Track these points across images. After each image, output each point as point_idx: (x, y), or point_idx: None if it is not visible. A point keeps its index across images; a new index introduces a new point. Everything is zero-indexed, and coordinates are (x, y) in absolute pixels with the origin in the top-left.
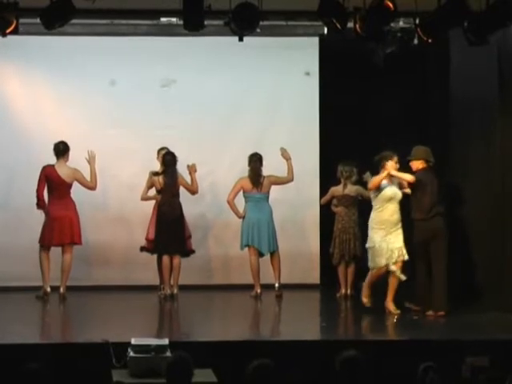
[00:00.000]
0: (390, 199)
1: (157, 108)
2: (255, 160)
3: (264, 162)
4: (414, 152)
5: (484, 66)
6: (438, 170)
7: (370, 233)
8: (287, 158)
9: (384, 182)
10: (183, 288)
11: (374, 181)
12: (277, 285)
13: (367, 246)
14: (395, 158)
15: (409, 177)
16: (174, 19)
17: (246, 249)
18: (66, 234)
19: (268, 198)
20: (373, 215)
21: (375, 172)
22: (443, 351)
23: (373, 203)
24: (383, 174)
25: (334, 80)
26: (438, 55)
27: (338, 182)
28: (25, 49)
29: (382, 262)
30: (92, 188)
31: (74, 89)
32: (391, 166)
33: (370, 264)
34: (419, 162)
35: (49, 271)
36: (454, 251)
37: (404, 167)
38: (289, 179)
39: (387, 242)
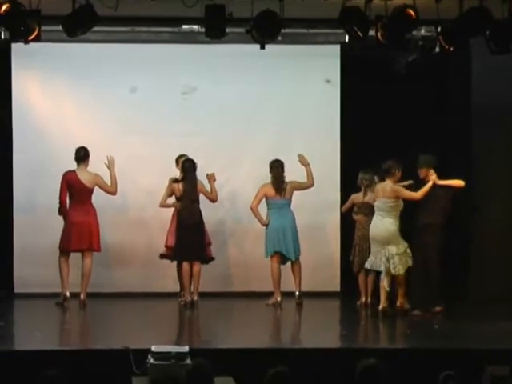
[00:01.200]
0: None
1: (177, 115)
2: (277, 166)
3: (286, 169)
4: (423, 160)
5: (506, 75)
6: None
7: (399, 240)
8: (305, 164)
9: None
10: (203, 295)
11: (423, 191)
12: (297, 293)
13: (400, 252)
14: (401, 168)
15: (459, 183)
16: (195, 27)
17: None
18: (85, 239)
19: (290, 204)
20: (397, 223)
21: (380, 180)
22: (463, 360)
23: (393, 212)
24: (428, 185)
25: (355, 88)
26: (460, 63)
27: (358, 190)
28: (47, 56)
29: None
30: (112, 193)
31: (95, 95)
32: (436, 177)
33: (401, 270)
34: (427, 169)
35: (68, 277)
36: (475, 258)
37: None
38: (309, 184)
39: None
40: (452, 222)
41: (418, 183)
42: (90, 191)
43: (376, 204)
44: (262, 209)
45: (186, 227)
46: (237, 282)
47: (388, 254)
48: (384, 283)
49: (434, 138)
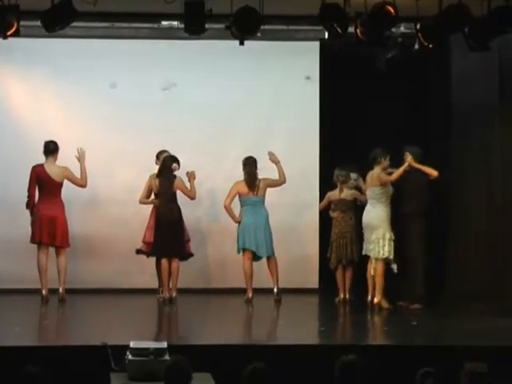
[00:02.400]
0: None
1: (157, 111)
2: (250, 163)
3: (266, 166)
4: (409, 151)
5: (485, 72)
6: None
7: (389, 226)
8: (276, 162)
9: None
10: (182, 291)
11: (397, 174)
12: (275, 290)
13: (393, 238)
14: (388, 156)
15: (433, 172)
16: (175, 23)
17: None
18: (57, 236)
19: (264, 201)
20: (387, 210)
21: (368, 168)
22: (442, 357)
23: (382, 199)
24: (404, 165)
25: (334, 84)
26: (439, 60)
27: (334, 187)
28: (25, 51)
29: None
30: (82, 186)
31: (74, 91)
32: (411, 159)
33: (390, 256)
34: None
35: (46, 274)
36: (453, 258)
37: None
38: (281, 181)
39: None
40: (430, 216)
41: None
42: (59, 185)
43: (367, 193)
44: (237, 206)
45: (165, 224)
46: (215, 279)
47: (380, 238)
48: (375, 274)
49: (413, 134)
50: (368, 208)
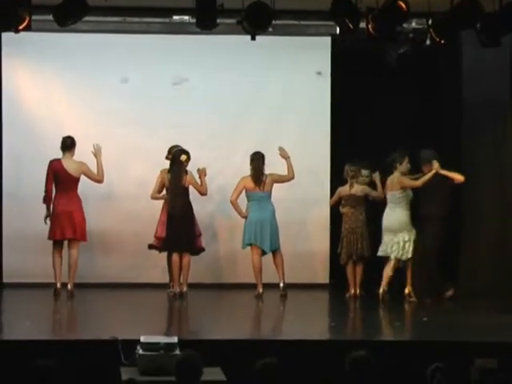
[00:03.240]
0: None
1: (168, 106)
2: (257, 158)
3: (274, 161)
4: (424, 155)
5: (496, 68)
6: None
7: (411, 227)
8: (286, 157)
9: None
10: (192, 286)
11: (423, 181)
12: (281, 284)
13: (412, 238)
14: (407, 159)
15: (460, 177)
16: (186, 17)
17: (249, 248)
18: (68, 229)
19: (270, 196)
20: (408, 212)
21: (387, 172)
22: (452, 353)
23: (402, 203)
24: (430, 174)
25: (345, 80)
26: (451, 56)
27: (345, 182)
28: (37, 45)
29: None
30: (99, 181)
31: (85, 85)
32: (438, 166)
33: (409, 254)
34: (430, 164)
35: (60, 269)
36: (465, 256)
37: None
38: (290, 177)
39: None
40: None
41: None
42: (76, 180)
43: (387, 196)
44: (244, 201)
45: (176, 218)
46: (225, 274)
47: (401, 240)
48: (389, 268)
49: (425, 130)
50: (387, 211)
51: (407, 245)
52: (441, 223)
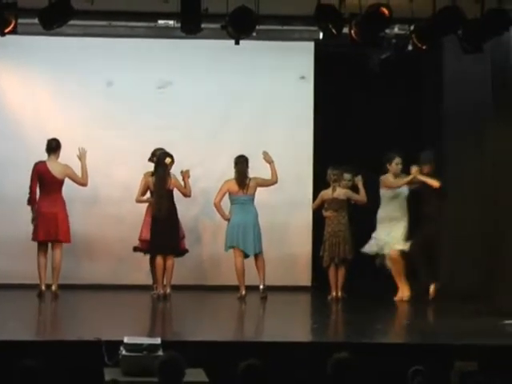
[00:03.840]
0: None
1: (152, 109)
2: (241, 162)
3: (257, 165)
4: (423, 157)
5: (477, 73)
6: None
7: (402, 222)
8: (269, 162)
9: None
10: (176, 288)
11: (399, 183)
12: (261, 286)
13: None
14: (396, 160)
15: (435, 183)
16: (171, 22)
17: (231, 251)
18: (51, 230)
19: (253, 200)
20: (401, 211)
21: (371, 173)
22: (433, 355)
23: (393, 201)
24: (409, 177)
25: (328, 84)
26: (433, 61)
27: (328, 186)
28: (23, 48)
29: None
30: (83, 184)
31: (71, 88)
32: (416, 171)
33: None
34: (430, 165)
35: (44, 271)
36: (445, 253)
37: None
38: (273, 181)
39: None
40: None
41: None
42: (60, 182)
43: (381, 193)
44: (227, 204)
45: (160, 221)
46: (209, 276)
47: (391, 229)
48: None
49: (407, 133)
50: (381, 205)
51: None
52: (435, 222)
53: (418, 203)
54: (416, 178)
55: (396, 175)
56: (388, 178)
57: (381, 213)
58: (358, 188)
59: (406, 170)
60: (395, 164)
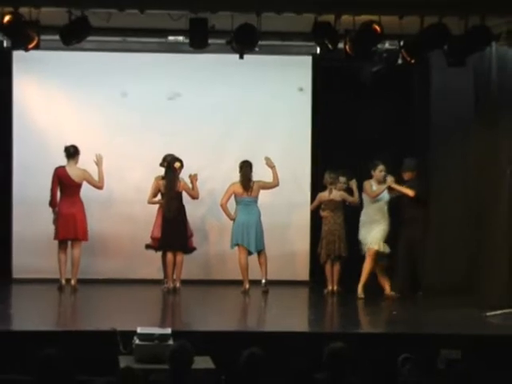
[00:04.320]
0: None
1: (163, 118)
2: (246, 166)
3: (259, 169)
4: (406, 164)
5: (462, 86)
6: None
7: (383, 224)
8: (271, 166)
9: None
10: (185, 282)
11: (376, 193)
12: (263, 281)
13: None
14: (380, 167)
15: (410, 192)
16: (180, 38)
17: (236, 248)
18: (71, 230)
19: (257, 201)
20: (381, 214)
21: (365, 178)
22: (421, 344)
23: (371, 203)
24: (384, 186)
25: (325, 95)
26: (421, 74)
27: (324, 188)
28: (45, 62)
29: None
30: (100, 187)
31: (88, 99)
32: (391, 180)
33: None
34: (411, 172)
35: (64, 267)
36: (433, 253)
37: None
38: (275, 184)
39: None
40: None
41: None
42: (79, 185)
43: (363, 196)
44: (233, 205)
45: (170, 220)
46: (215, 271)
47: (371, 230)
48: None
49: (396, 141)
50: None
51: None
52: (420, 224)
53: (398, 208)
54: (392, 187)
55: (379, 181)
56: (367, 185)
57: (363, 215)
58: (352, 190)
59: (394, 176)
60: (379, 171)
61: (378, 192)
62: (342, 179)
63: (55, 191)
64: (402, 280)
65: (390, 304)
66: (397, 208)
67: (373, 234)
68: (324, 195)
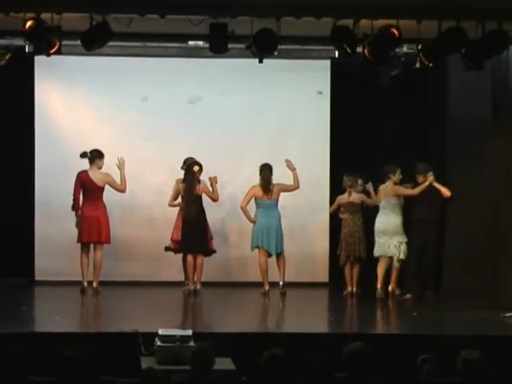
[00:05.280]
0: None
1: (183, 122)
2: (266, 169)
3: (279, 172)
4: (420, 167)
5: (479, 90)
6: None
7: (403, 231)
8: (292, 169)
9: None
10: (205, 284)
11: (420, 189)
12: (281, 283)
13: (405, 240)
14: (399, 171)
15: (447, 192)
16: (200, 43)
17: (256, 250)
18: (94, 233)
19: (277, 204)
20: (401, 217)
21: (379, 182)
22: (439, 345)
23: (396, 209)
24: (425, 184)
25: (343, 99)
26: (438, 78)
27: (343, 191)
28: (66, 67)
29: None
30: (122, 191)
31: (109, 103)
32: (433, 178)
33: (403, 256)
34: (424, 175)
35: (87, 269)
36: (448, 255)
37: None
38: (295, 187)
39: None
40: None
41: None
42: (101, 189)
43: (382, 203)
44: (253, 208)
45: (190, 223)
46: (235, 273)
47: (396, 242)
48: (383, 267)
49: (414, 145)
50: (381, 216)
51: (402, 246)
52: (436, 226)
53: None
54: (432, 185)
55: (396, 184)
56: (398, 186)
57: (385, 221)
58: (368, 193)
59: (407, 180)
60: (398, 174)
61: (421, 189)
62: (359, 182)
63: (78, 195)
64: (413, 280)
65: (408, 306)
66: (408, 209)
67: (398, 243)
68: (343, 198)
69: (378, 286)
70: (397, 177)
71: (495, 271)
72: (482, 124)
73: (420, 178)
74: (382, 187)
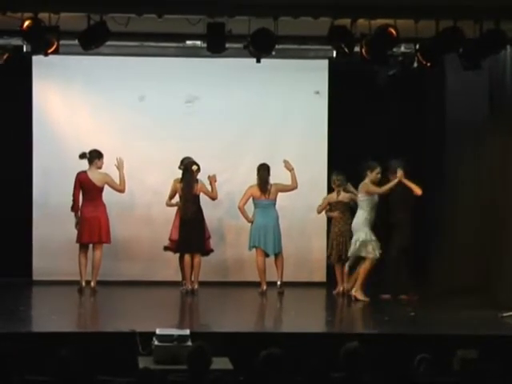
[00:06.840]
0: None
1: (181, 121)
2: (263, 169)
3: (276, 172)
4: (391, 165)
5: (476, 89)
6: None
7: (366, 229)
8: (290, 169)
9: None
10: (203, 284)
11: (387, 188)
12: (279, 282)
13: (367, 239)
14: (378, 169)
15: (418, 190)
16: (198, 42)
17: (254, 250)
18: (95, 233)
19: (275, 204)
20: (365, 215)
21: (360, 179)
22: (436, 344)
23: (363, 205)
24: (394, 181)
25: (341, 98)
26: (435, 78)
27: (332, 190)
28: (64, 67)
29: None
30: (121, 191)
31: (107, 103)
32: (402, 174)
33: (363, 253)
34: (393, 173)
35: (85, 269)
36: (441, 255)
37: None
38: (293, 187)
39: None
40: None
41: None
42: (100, 189)
43: (360, 198)
44: (251, 207)
45: (187, 223)
46: (232, 273)
47: (354, 240)
48: (345, 267)
49: (411, 144)
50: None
51: (358, 243)
52: (408, 225)
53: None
54: (401, 182)
55: (374, 183)
56: (369, 184)
57: (362, 216)
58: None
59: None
60: (376, 173)
61: (388, 187)
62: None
63: (77, 196)
64: (394, 281)
65: (404, 305)
66: (385, 211)
67: (374, 239)
68: (332, 197)
69: (339, 288)
70: (374, 175)
71: (492, 270)
72: (480, 123)
73: (392, 176)
74: (361, 184)
